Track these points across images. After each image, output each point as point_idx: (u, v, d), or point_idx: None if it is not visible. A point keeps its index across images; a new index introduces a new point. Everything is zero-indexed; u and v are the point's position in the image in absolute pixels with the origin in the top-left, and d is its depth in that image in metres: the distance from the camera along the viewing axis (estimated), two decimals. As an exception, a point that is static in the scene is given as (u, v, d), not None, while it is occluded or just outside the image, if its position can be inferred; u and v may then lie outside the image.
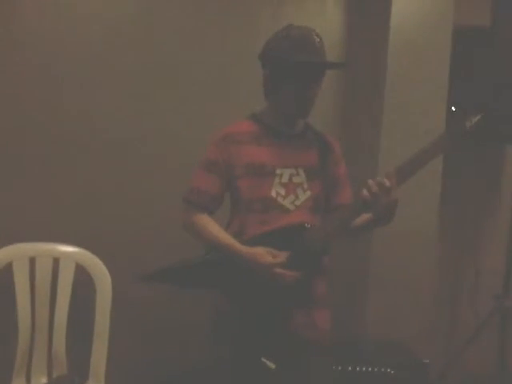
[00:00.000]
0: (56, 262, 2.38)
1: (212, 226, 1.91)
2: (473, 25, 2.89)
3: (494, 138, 2.79)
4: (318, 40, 1.83)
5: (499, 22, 2.75)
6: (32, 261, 2.35)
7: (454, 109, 1.94)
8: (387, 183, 1.70)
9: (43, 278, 2.36)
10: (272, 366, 1.71)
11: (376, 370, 2.44)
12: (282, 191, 1.88)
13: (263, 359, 1.73)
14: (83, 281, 2.37)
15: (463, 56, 2.80)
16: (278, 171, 1.88)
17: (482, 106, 1.77)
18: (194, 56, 2.67)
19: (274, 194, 1.88)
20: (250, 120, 1.98)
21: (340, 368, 2.41)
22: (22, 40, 2.46)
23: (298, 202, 1.89)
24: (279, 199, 1.88)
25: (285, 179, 1.89)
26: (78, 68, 2.53)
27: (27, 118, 2.49)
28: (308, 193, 1.91)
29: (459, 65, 2.78)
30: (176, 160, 2.58)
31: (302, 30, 1.85)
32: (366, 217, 1.89)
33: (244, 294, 1.87)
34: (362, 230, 1.96)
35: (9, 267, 2.31)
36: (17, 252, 2.34)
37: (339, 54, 2.81)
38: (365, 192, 1.71)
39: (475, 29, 2.88)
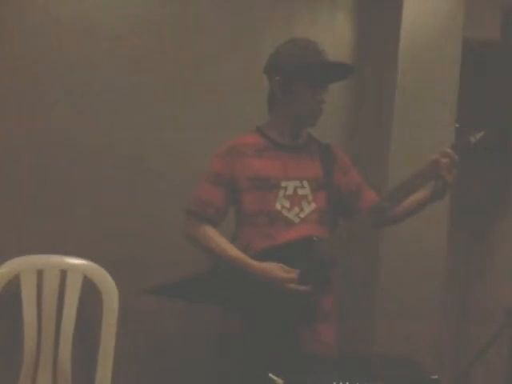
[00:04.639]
0: (63, 274, 2.38)
1: (219, 239, 1.91)
2: (483, 38, 2.88)
3: (501, 149, 2.77)
4: (321, 47, 1.90)
5: (509, 35, 2.74)
6: (40, 273, 2.36)
7: (457, 125, 2.02)
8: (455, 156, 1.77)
9: (50, 291, 2.36)
10: (280, 381, 1.69)
11: (383, 385, 2.40)
12: (287, 204, 1.88)
13: (270, 375, 1.71)
14: (90, 293, 2.37)
15: (473, 69, 2.79)
16: (283, 184, 1.89)
17: (487, 121, 1.82)
18: (201, 71, 2.67)
19: (278, 206, 1.88)
20: (255, 133, 1.99)
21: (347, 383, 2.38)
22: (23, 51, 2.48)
23: (302, 215, 1.89)
24: (284, 212, 1.88)
25: (289, 192, 1.89)
26: (82, 81, 2.54)
27: (34, 131, 2.50)
28: (313, 205, 1.91)
29: (469, 78, 2.77)
30: (183, 174, 2.58)
31: (307, 40, 1.91)
32: (413, 199, 1.89)
33: (250, 309, 1.86)
34: (411, 211, 1.96)
35: (16, 279, 2.31)
36: (24, 264, 2.35)
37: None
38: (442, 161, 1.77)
39: (485, 42, 2.87)
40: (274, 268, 1.81)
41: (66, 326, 2.35)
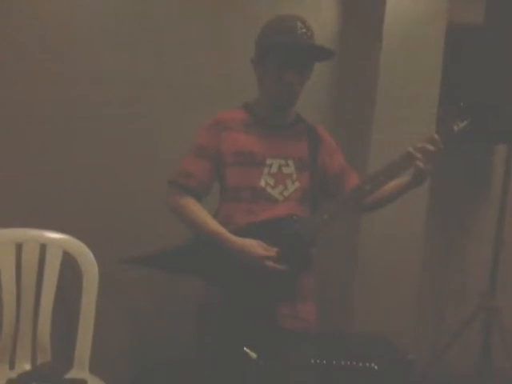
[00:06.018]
0: (43, 248, 2.36)
1: (201, 212, 1.89)
2: (466, 22, 2.89)
3: (484, 137, 2.80)
4: (301, 26, 1.83)
5: (492, 20, 2.75)
6: (19, 247, 2.34)
7: (442, 113, 2.04)
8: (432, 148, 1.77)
9: (30, 265, 2.34)
10: (254, 355, 1.71)
11: (360, 364, 2.43)
12: (271, 181, 1.89)
13: (245, 349, 1.73)
14: (70, 268, 2.35)
15: (456, 53, 2.80)
16: (268, 161, 1.89)
17: (470, 108, 1.84)
18: (189, 52, 2.65)
19: (263, 183, 1.88)
20: (243, 109, 1.98)
21: (325, 362, 2.41)
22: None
23: (286, 193, 1.90)
24: (268, 189, 1.88)
25: (274, 169, 1.89)
26: (76, 66, 2.51)
27: (16, 108, 2.47)
28: (297, 184, 1.92)
29: (452, 62, 2.79)
30: (164, 150, 2.57)
31: (286, 18, 1.86)
32: (393, 185, 1.90)
33: (229, 283, 1.87)
34: (391, 197, 1.96)
35: (-5, 252, 2.29)
36: (3, 238, 2.32)
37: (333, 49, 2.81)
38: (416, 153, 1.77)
39: (468, 26, 2.88)
40: (254, 245, 1.82)
41: (46, 300, 2.34)
